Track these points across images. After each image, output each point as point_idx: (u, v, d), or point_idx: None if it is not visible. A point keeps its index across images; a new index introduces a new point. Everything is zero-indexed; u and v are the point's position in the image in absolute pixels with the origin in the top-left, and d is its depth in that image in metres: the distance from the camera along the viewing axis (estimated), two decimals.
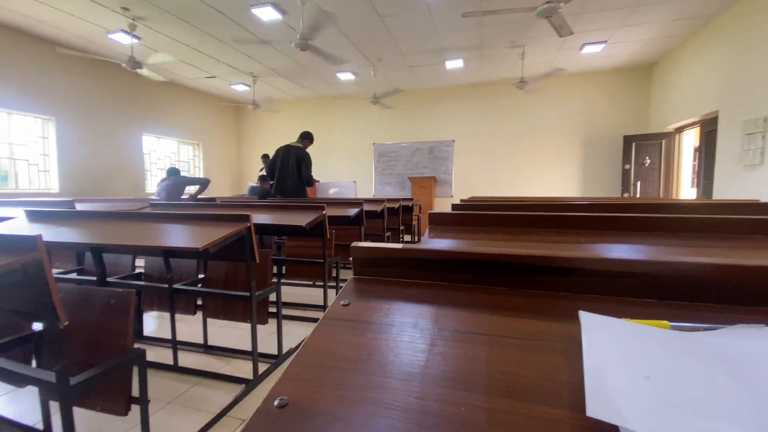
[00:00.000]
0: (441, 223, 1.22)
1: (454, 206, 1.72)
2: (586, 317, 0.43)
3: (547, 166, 7.84)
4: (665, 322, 0.42)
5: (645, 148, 6.64)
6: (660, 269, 0.49)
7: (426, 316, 0.50)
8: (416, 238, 6.45)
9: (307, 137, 4.87)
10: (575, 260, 0.52)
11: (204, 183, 5.44)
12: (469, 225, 1.20)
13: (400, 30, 5.45)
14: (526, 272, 0.54)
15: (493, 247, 0.57)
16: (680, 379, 0.32)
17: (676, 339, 0.38)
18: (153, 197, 5.42)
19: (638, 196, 6.60)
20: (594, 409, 0.30)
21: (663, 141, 6.43)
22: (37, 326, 1.44)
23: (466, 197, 2.58)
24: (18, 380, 1.23)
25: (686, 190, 6.37)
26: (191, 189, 5.53)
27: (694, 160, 6.14)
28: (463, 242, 1.08)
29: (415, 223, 6.22)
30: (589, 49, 6.15)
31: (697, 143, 5.98)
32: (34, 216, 2.13)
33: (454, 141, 8.35)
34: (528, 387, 0.36)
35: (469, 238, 1.11)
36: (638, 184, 6.70)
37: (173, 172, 5.32)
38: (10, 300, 1.14)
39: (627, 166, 6.88)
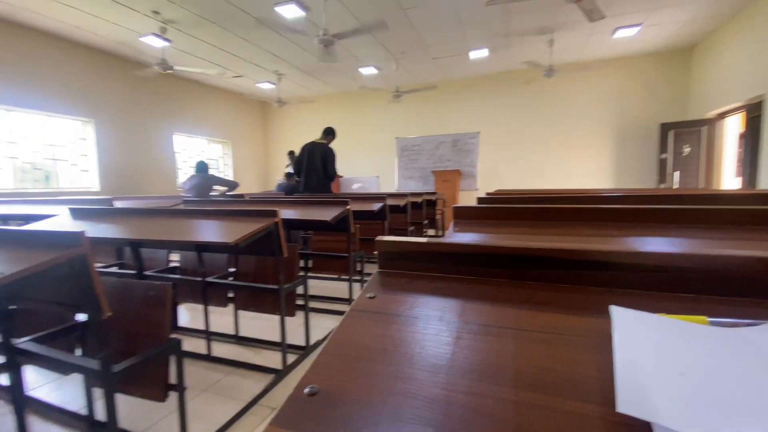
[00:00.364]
0: (466, 216, 1.20)
1: (480, 200, 1.70)
2: (617, 312, 0.42)
3: (577, 156, 7.57)
4: (703, 317, 0.40)
5: (684, 136, 6.29)
6: (698, 263, 0.47)
7: (452, 310, 0.50)
8: (440, 233, 6.41)
9: (330, 133, 4.91)
10: (607, 254, 0.50)
11: (232, 186, 5.51)
12: (495, 219, 1.18)
13: (422, 21, 5.38)
14: (555, 266, 0.53)
15: (520, 241, 0.56)
16: (718, 376, 0.31)
17: (714, 335, 0.37)
18: (183, 193, 5.58)
19: (676, 186, 6.29)
20: (625, 405, 0.30)
21: (704, 128, 6.08)
22: (81, 317, 1.53)
23: (491, 190, 2.54)
24: (63, 368, 1.32)
25: (729, 180, 6.01)
26: (219, 189, 5.66)
27: (740, 148, 5.78)
28: (488, 236, 1.07)
29: (438, 217, 6.17)
30: (622, 33, 5.87)
31: (742, 130, 5.63)
32: (77, 213, 2.26)
33: (479, 133, 8.20)
34: (557, 381, 0.36)
35: (494, 232, 1.09)
36: (676, 174, 6.38)
37: (202, 168, 5.32)
38: (57, 292, 1.21)
39: (664, 156, 6.55)
